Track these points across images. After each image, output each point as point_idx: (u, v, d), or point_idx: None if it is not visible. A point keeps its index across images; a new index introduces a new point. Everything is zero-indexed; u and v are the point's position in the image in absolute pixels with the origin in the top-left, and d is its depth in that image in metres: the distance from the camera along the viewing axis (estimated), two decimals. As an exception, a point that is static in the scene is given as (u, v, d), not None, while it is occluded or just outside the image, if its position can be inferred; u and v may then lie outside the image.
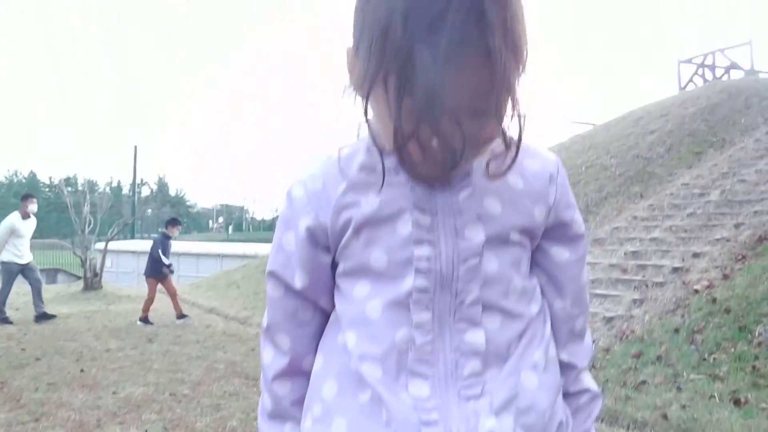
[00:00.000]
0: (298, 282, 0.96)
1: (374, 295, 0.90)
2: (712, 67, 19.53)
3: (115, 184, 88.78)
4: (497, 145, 0.83)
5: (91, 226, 16.09)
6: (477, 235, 0.87)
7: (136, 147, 39.56)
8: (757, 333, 5.38)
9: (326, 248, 0.95)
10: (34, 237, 10.20)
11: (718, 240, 7.99)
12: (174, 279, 10.12)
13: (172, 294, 9.96)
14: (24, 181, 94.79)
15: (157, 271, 9.85)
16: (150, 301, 9.85)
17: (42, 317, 9.59)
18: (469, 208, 0.87)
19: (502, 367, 0.88)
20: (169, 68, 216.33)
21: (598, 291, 7.77)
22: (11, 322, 9.36)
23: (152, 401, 4.96)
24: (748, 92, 14.70)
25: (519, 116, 0.79)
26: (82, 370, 6.02)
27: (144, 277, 10.17)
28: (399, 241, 0.87)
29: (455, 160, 0.77)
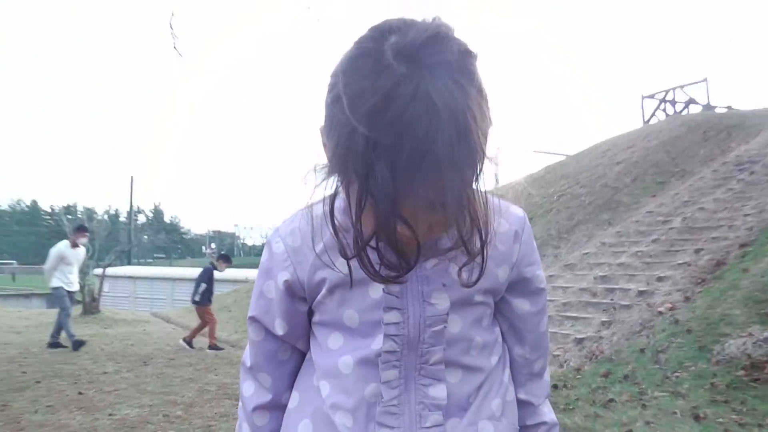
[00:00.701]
0: (279, 328, 0.99)
1: (346, 351, 0.92)
2: (673, 102, 19.83)
3: (112, 212, 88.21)
4: (453, 243, 0.81)
5: (90, 252, 15.96)
6: (443, 302, 0.89)
7: (132, 177, 39.64)
8: (715, 352, 5.43)
9: (303, 300, 0.97)
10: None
11: (680, 264, 8.07)
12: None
13: (213, 322, 9.71)
14: (27, 209, 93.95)
15: (205, 298, 9.62)
16: (213, 326, 9.65)
17: (53, 345, 9.20)
18: (436, 276, 0.89)
19: (462, 418, 0.91)
20: (163, 98, 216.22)
21: (569, 314, 7.81)
22: (65, 346, 9.10)
23: (146, 423, 4.92)
24: (705, 126, 14.91)
25: (479, 229, 0.80)
26: (80, 393, 5.96)
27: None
28: (370, 305, 0.90)
29: (409, 268, 0.79)
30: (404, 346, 0.89)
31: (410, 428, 0.89)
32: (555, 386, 5.74)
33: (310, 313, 0.99)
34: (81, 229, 9.90)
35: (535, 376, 1.06)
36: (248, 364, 1.04)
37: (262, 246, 1.04)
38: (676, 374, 5.42)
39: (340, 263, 0.88)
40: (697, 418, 4.63)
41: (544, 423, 1.05)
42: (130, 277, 26.83)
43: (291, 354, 1.02)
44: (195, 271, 29.64)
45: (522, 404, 1.03)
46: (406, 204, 0.72)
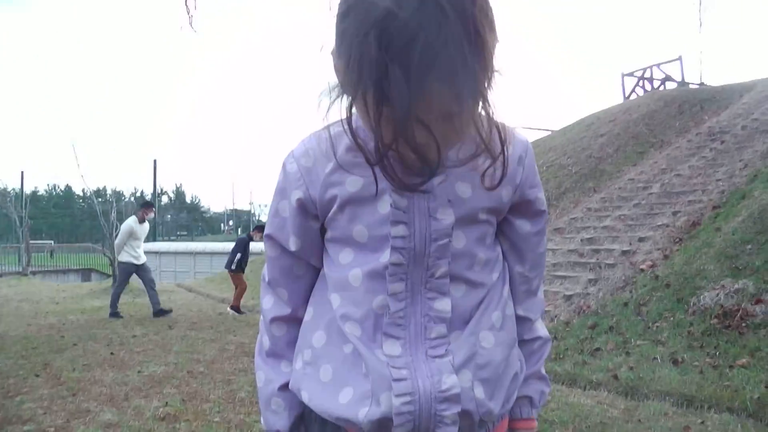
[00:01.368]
0: (292, 245, 0.97)
1: (356, 264, 0.90)
2: (651, 79, 19.65)
3: (138, 194, 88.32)
4: (477, 144, 0.81)
5: (118, 231, 16.03)
6: (448, 217, 0.86)
7: (155, 160, 39.46)
8: (691, 303, 5.43)
9: (315, 217, 0.95)
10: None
11: (659, 226, 8.04)
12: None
13: (243, 288, 9.64)
14: (61, 193, 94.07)
15: (238, 266, 9.62)
16: (242, 291, 9.59)
17: (159, 313, 9.03)
18: (442, 192, 0.86)
19: (464, 329, 0.89)
20: (183, 84, 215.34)
21: (558, 273, 7.80)
22: (122, 317, 8.92)
23: (172, 378, 4.95)
24: (680, 100, 14.78)
25: (497, 127, 0.80)
26: (112, 353, 5.99)
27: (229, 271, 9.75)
28: (379, 219, 0.87)
29: (432, 171, 0.77)
30: (411, 259, 0.87)
31: (415, 339, 0.87)
32: (547, 331, 5.74)
33: (323, 231, 0.97)
34: (148, 205, 9.68)
35: (532, 294, 1.04)
36: (267, 279, 1.03)
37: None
38: (656, 324, 5.42)
39: (352, 179, 0.87)
40: (675, 362, 4.64)
41: (539, 338, 1.05)
42: (155, 253, 26.91)
43: (306, 270, 1.01)
44: (214, 246, 29.86)
45: (520, 320, 1.02)
46: (421, 107, 0.70)
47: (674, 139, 12.43)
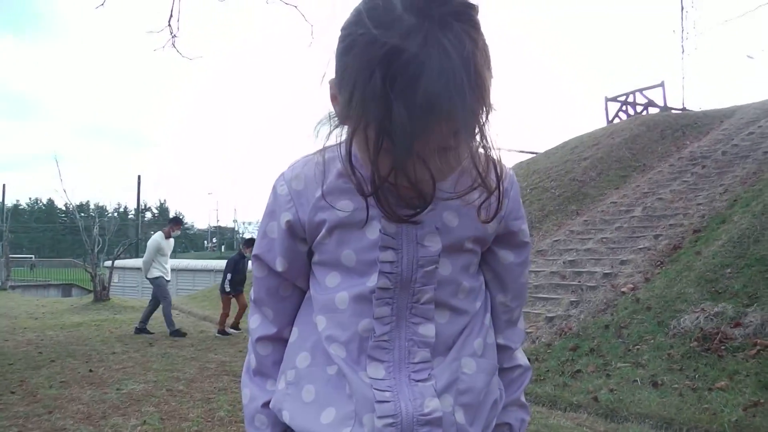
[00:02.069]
0: (279, 266, 0.98)
1: (343, 288, 0.91)
2: (634, 104, 19.90)
3: (121, 210, 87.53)
4: (473, 178, 0.82)
5: (100, 246, 15.91)
6: (435, 245, 0.88)
7: (139, 176, 39.21)
8: (672, 326, 5.47)
9: (303, 240, 0.96)
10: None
11: (641, 249, 8.11)
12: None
13: (242, 307, 9.24)
14: (43, 207, 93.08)
15: (232, 287, 9.08)
16: (241, 310, 9.22)
17: (142, 331, 8.88)
18: (430, 220, 0.87)
19: (447, 356, 0.91)
20: (166, 98, 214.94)
21: (541, 295, 7.83)
22: (184, 334, 8.67)
23: (151, 396, 4.89)
24: (663, 125, 15.00)
25: (495, 164, 0.82)
26: (90, 370, 5.91)
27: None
28: (367, 245, 0.88)
29: (426, 204, 0.79)
30: (397, 284, 0.88)
31: (399, 363, 0.88)
32: (527, 360, 5.75)
33: (310, 254, 0.98)
34: (176, 222, 9.49)
35: (513, 324, 1.06)
36: (253, 297, 1.04)
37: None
38: (637, 347, 5.45)
39: (341, 205, 0.89)
40: (655, 384, 4.66)
41: (519, 366, 1.06)
42: (137, 269, 26.67)
43: (292, 291, 1.02)
44: (197, 263, 29.64)
45: (500, 348, 1.03)
46: (420, 145, 0.72)
47: (656, 164, 12.59)
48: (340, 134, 0.83)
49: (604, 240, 9.12)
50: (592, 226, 10.10)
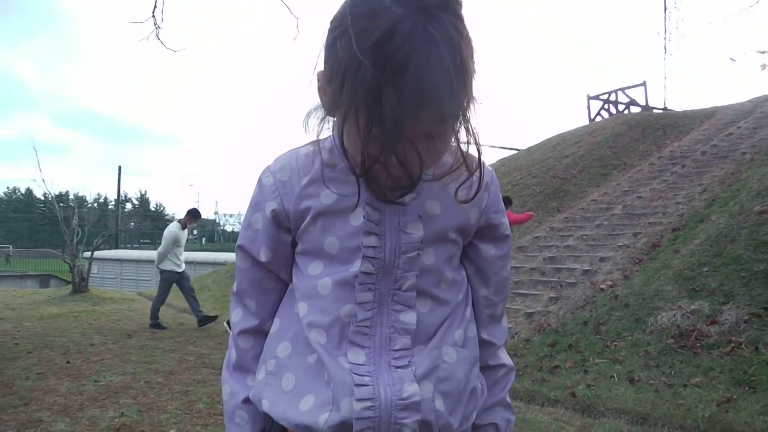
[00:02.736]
0: (263, 256, 0.98)
1: (326, 274, 0.92)
2: (615, 103, 20.08)
3: (101, 200, 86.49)
4: (454, 161, 0.88)
5: (79, 237, 15.70)
6: (417, 231, 0.90)
7: (120, 167, 38.84)
8: (649, 323, 5.53)
9: (288, 230, 0.97)
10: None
11: (620, 246, 8.20)
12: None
13: None
14: (22, 197, 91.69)
15: None
16: None
17: (204, 320, 8.65)
18: (413, 208, 0.90)
19: (427, 344, 0.91)
20: (152, 90, 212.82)
21: (520, 291, 7.89)
22: (165, 327, 8.52)
23: (129, 388, 4.85)
24: (644, 125, 15.16)
25: (477, 145, 0.84)
26: (68, 362, 5.84)
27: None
28: (351, 231, 0.90)
29: (413, 182, 0.82)
30: (380, 270, 0.89)
31: (380, 349, 0.89)
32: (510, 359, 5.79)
33: (294, 245, 0.99)
34: (195, 215, 9.19)
35: (496, 320, 1.07)
36: (235, 289, 1.04)
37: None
38: (615, 343, 5.51)
39: (325, 193, 0.91)
40: (632, 380, 4.72)
41: (504, 365, 1.07)
42: (117, 260, 26.44)
43: (275, 284, 1.02)
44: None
45: (484, 344, 1.04)
46: (409, 129, 0.75)
47: (637, 162, 12.72)
48: (328, 127, 0.87)
49: (584, 237, 9.21)
50: (572, 223, 10.18)
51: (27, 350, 6.49)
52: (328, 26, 0.79)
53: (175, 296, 13.73)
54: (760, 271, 5.55)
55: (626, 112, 19.32)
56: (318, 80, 0.85)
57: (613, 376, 4.88)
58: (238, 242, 1.02)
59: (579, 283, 7.45)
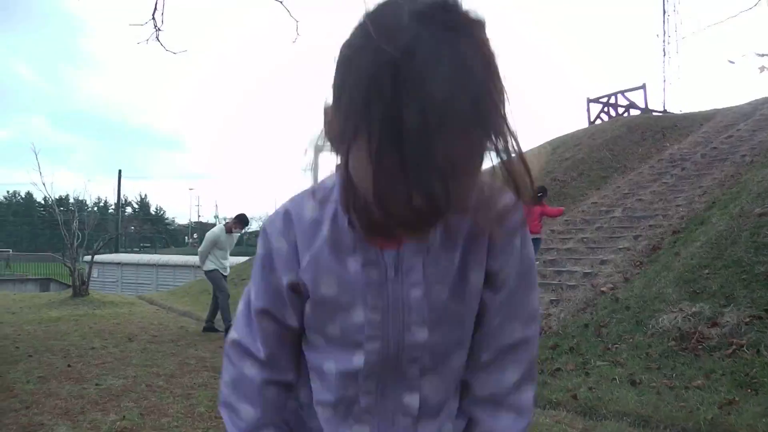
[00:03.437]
0: (292, 321, 0.93)
1: (329, 355, 0.90)
2: (615, 106, 20.08)
3: (102, 204, 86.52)
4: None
5: (80, 240, 15.69)
6: (422, 334, 0.85)
7: (120, 170, 38.90)
8: (650, 326, 5.53)
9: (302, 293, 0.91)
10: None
11: (620, 249, 8.20)
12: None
13: None
14: (22, 201, 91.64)
15: None
16: None
17: (210, 330, 8.52)
18: (419, 306, 0.84)
19: (431, 422, 0.91)
20: (151, 93, 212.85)
21: (521, 293, 7.87)
22: (219, 330, 8.37)
23: (130, 391, 4.85)
24: (643, 127, 15.17)
25: (517, 185, 0.73)
26: (69, 365, 5.84)
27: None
28: (352, 326, 0.86)
29: (438, 215, 0.68)
30: (384, 365, 0.87)
31: (384, 424, 0.90)
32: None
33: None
34: (241, 221, 9.06)
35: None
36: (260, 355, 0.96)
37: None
38: (616, 345, 5.50)
39: (326, 283, 0.85)
40: (633, 383, 4.71)
41: None
42: (117, 264, 26.46)
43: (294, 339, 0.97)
44: (177, 259, 29.44)
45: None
46: (436, 154, 0.63)
47: (637, 165, 12.72)
48: (330, 167, 0.77)
49: (585, 240, 9.21)
50: (572, 225, 10.18)
51: (28, 354, 6.48)
52: (341, 48, 0.70)
53: (176, 299, 13.75)
54: (761, 273, 5.56)
55: (626, 114, 19.32)
56: (325, 114, 0.74)
57: (615, 379, 4.87)
58: (261, 305, 0.93)
59: (580, 285, 7.46)
